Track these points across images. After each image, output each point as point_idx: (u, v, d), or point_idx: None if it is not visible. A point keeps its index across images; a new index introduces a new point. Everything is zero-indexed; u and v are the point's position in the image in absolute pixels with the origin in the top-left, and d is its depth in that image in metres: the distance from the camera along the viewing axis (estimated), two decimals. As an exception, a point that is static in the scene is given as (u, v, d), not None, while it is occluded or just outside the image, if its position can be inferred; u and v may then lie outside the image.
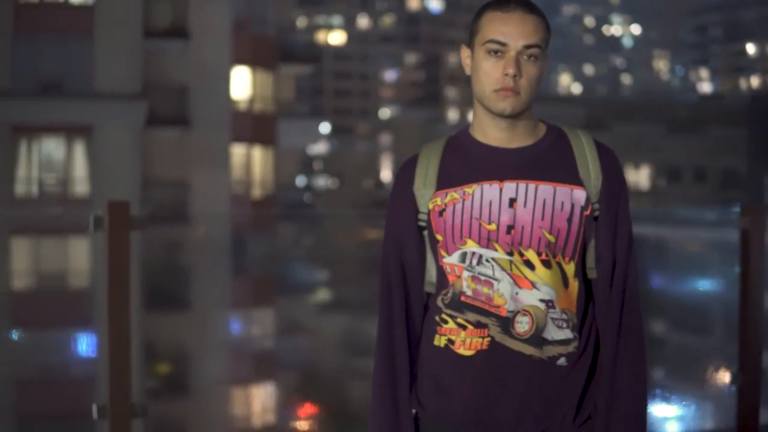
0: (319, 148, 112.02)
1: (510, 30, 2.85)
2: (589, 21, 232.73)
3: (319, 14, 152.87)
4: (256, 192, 37.71)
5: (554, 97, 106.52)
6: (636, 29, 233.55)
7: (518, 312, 2.84)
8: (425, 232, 2.98)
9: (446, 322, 2.92)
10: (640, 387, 2.93)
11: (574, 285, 2.89)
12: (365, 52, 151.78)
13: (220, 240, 33.96)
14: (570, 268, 2.88)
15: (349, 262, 55.94)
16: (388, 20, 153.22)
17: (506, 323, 2.84)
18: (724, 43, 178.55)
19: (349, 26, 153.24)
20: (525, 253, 2.84)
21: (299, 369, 38.58)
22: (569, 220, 2.86)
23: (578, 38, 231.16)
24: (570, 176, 2.89)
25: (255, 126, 37.24)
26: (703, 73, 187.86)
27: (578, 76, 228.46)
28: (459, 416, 2.90)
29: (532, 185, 2.87)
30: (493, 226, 2.86)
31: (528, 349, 2.84)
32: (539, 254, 2.85)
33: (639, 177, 76.53)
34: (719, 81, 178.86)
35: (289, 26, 44.50)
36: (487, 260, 2.86)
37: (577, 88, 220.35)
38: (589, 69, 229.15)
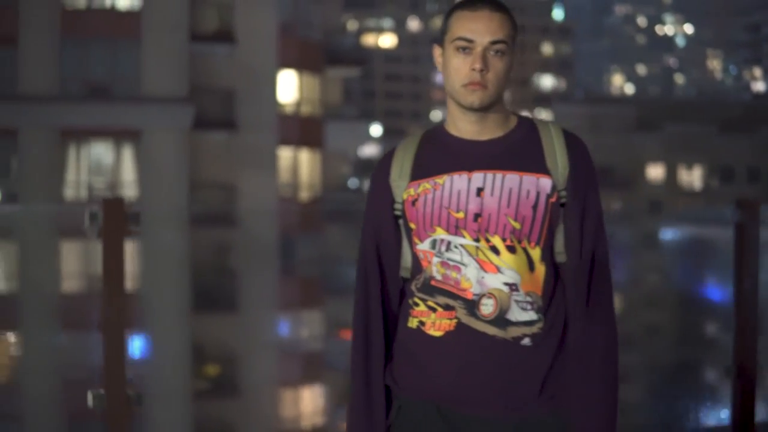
0: (370, 150, 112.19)
1: (477, 27, 3.00)
2: (642, 21, 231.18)
3: (369, 17, 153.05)
4: (304, 194, 37.88)
5: (606, 98, 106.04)
6: (689, 28, 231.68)
7: (484, 295, 3.01)
8: (401, 221, 3.15)
9: (418, 305, 3.09)
10: (609, 366, 3.06)
11: (541, 269, 3.04)
12: (416, 54, 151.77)
13: (269, 241, 34.12)
14: (536, 253, 3.03)
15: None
16: (438, 22, 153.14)
17: (472, 306, 3.01)
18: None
19: (399, 28, 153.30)
20: (491, 239, 3.01)
21: (348, 371, 38.66)
22: (534, 207, 3.01)
23: (631, 38, 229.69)
24: (537, 166, 3.05)
25: (302, 129, 37.39)
26: (757, 72, 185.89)
27: (631, 76, 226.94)
28: (429, 391, 3.06)
29: (499, 175, 3.04)
30: (461, 214, 3.03)
31: (492, 330, 3.00)
32: (504, 240, 3.01)
33: (691, 177, 75.94)
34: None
35: (337, 29, 44.67)
36: (456, 246, 3.03)
37: (630, 89, 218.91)
38: (641, 69, 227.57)
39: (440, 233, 3.04)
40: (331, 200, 41.18)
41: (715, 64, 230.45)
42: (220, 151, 34.91)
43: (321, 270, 38.67)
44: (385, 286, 3.19)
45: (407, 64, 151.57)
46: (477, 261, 3.01)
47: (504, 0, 3.16)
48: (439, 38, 3.12)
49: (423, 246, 3.08)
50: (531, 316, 3.02)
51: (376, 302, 3.18)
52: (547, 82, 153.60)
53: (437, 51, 3.11)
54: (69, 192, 32.49)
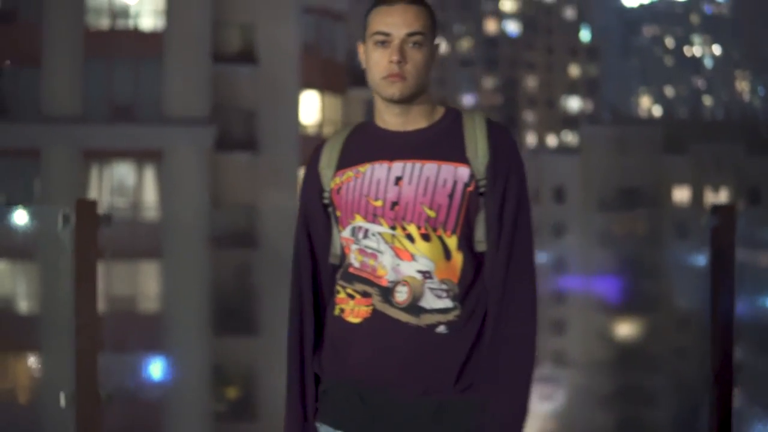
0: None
1: (393, 20, 3.09)
2: (670, 42, 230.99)
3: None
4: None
5: (634, 119, 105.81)
6: (717, 49, 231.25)
7: (398, 282, 3.06)
8: (330, 209, 3.24)
9: (339, 293, 3.17)
10: (523, 357, 3.09)
11: (458, 257, 3.09)
12: (443, 76, 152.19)
13: (290, 263, 34.03)
14: (452, 242, 3.08)
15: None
16: (465, 44, 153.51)
17: (387, 293, 3.07)
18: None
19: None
20: (407, 227, 3.07)
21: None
22: (450, 196, 3.07)
23: (659, 59, 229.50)
24: (456, 155, 3.10)
25: (324, 149, 37.38)
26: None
27: (659, 98, 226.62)
28: (350, 377, 3.13)
29: (418, 164, 3.10)
30: (379, 203, 3.10)
31: (405, 317, 3.05)
32: (419, 228, 3.07)
33: (718, 198, 75.63)
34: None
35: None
36: (373, 234, 3.10)
37: (657, 110, 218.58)
38: (669, 90, 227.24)
39: (359, 221, 3.12)
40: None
41: (743, 86, 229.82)
42: (242, 171, 34.93)
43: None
44: (318, 274, 3.27)
45: (434, 86, 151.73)
46: (393, 249, 3.07)
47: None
48: (362, 36, 3.20)
49: (345, 233, 3.16)
50: (446, 303, 3.07)
51: (307, 290, 3.25)
52: (573, 103, 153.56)
53: (361, 48, 3.18)
54: (90, 212, 32.53)
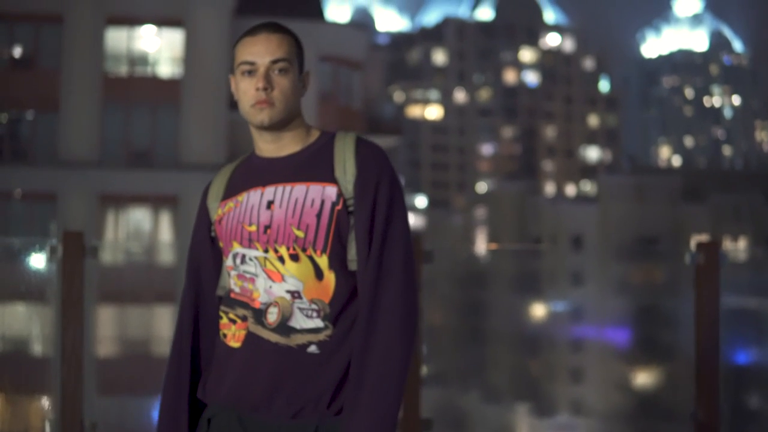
0: (416, 221, 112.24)
1: (257, 49, 3.16)
2: (689, 92, 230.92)
3: (416, 89, 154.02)
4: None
5: (653, 168, 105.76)
6: (736, 99, 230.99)
7: (271, 304, 3.09)
8: (216, 241, 3.29)
9: (222, 318, 3.21)
10: (384, 378, 3.02)
11: (330, 277, 3.09)
12: (462, 126, 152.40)
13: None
14: (323, 261, 3.10)
15: (443, 332, 55.80)
16: (485, 94, 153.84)
17: (260, 314, 3.10)
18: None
19: (446, 100, 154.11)
20: (279, 249, 3.10)
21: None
22: (318, 215, 3.09)
23: (678, 109, 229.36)
24: (324, 175, 3.14)
25: (341, 197, 37.50)
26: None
27: (678, 148, 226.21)
28: (224, 398, 3.13)
29: (288, 187, 3.15)
30: (253, 228, 3.14)
31: (275, 337, 3.07)
32: (288, 249, 3.09)
33: (737, 246, 75.37)
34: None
35: (378, 98, 44.89)
36: (250, 259, 3.14)
37: (677, 160, 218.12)
38: (689, 140, 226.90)
39: (236, 247, 3.16)
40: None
41: (763, 135, 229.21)
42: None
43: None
44: (200, 306, 3.29)
45: (453, 135, 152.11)
46: (265, 271, 3.10)
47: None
48: (232, 68, 3.24)
49: (228, 262, 3.20)
50: (317, 323, 3.07)
51: (188, 324, 3.28)
52: (592, 153, 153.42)
53: (232, 80, 3.24)
54: (106, 256, 32.72)
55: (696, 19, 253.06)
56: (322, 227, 3.08)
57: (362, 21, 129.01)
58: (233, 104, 34.31)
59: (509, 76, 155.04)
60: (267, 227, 3.12)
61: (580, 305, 73.08)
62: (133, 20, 33.48)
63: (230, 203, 3.21)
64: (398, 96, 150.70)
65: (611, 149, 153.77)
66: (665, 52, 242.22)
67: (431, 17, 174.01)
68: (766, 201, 76.04)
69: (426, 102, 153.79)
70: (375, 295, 3.05)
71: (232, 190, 3.24)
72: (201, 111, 33.08)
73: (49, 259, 4.92)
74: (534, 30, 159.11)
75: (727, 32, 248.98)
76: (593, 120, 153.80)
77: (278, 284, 3.08)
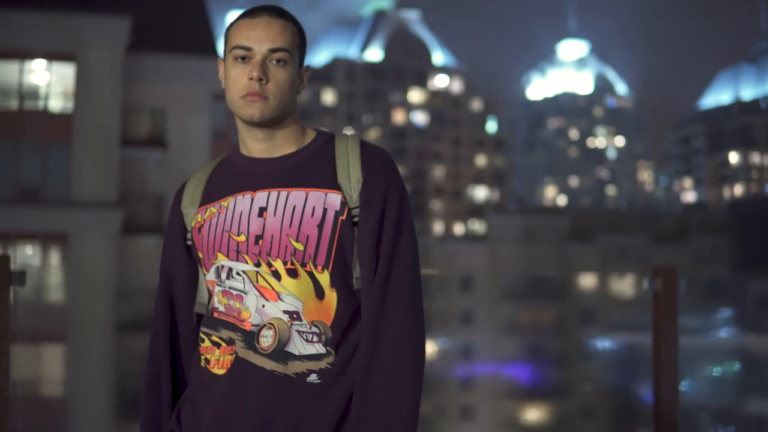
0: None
1: (256, 34, 2.74)
2: (574, 134, 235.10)
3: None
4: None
5: (540, 209, 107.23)
6: (620, 141, 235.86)
7: (264, 326, 2.69)
8: (194, 252, 2.88)
9: (203, 341, 2.80)
10: (397, 404, 2.65)
11: (332, 296, 2.71)
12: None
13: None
14: (324, 278, 2.71)
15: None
16: (373, 134, 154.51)
17: (251, 338, 2.69)
18: (707, 153, 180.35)
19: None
20: (273, 263, 2.70)
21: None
22: (320, 225, 2.70)
23: (563, 151, 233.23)
24: (326, 180, 2.75)
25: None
26: (687, 183, 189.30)
27: (564, 188, 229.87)
28: None
29: (283, 192, 2.75)
30: (242, 237, 2.73)
31: (271, 365, 2.67)
32: (285, 263, 2.70)
33: (623, 286, 76.64)
34: (704, 191, 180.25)
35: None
36: (238, 273, 2.73)
37: (562, 200, 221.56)
38: (574, 181, 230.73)
39: (221, 259, 2.75)
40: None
41: (646, 176, 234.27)
42: (150, 256, 34.60)
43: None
44: (174, 326, 2.88)
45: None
46: (256, 288, 2.70)
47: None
48: (224, 52, 2.84)
49: (209, 276, 2.79)
50: (318, 349, 2.68)
51: (164, 344, 2.87)
52: (480, 193, 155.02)
53: (221, 65, 2.84)
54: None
55: (581, 62, 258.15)
56: (324, 239, 2.69)
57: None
58: (126, 140, 34.06)
59: (398, 117, 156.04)
60: (259, 237, 2.70)
61: (470, 344, 73.51)
62: (24, 54, 32.89)
63: (212, 208, 2.80)
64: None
65: (499, 189, 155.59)
66: (550, 94, 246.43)
67: (320, 58, 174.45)
68: (650, 241, 77.51)
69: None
70: (380, 323, 2.68)
71: (213, 194, 2.84)
72: (93, 147, 32.58)
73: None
74: (423, 71, 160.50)
75: (611, 75, 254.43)
76: (481, 160, 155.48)
77: (273, 303, 2.68)
